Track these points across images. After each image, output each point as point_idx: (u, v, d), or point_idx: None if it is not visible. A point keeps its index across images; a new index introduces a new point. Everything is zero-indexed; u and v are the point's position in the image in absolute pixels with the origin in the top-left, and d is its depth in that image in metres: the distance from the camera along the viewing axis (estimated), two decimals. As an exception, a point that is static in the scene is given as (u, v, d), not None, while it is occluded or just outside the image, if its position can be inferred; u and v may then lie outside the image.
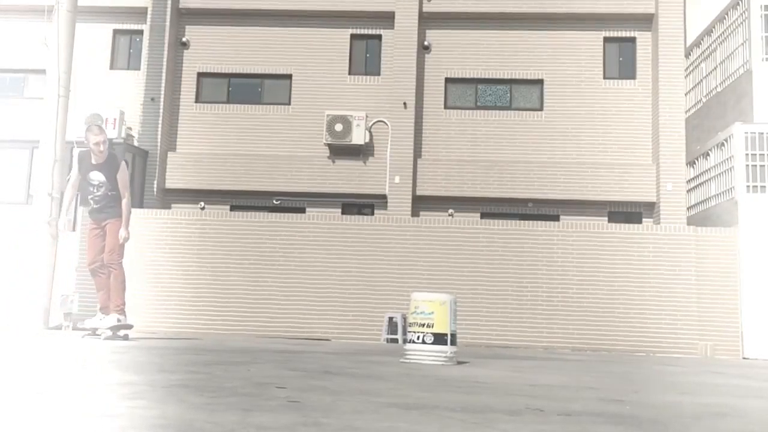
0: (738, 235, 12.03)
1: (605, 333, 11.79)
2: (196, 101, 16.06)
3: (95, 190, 7.38)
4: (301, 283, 12.20)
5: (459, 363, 5.11)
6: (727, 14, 15.36)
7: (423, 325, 4.96)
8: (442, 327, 4.94)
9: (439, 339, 4.93)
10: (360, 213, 15.30)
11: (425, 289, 11.19)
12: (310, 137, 15.44)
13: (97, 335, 7.37)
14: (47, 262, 11.38)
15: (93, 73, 15.88)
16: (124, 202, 7.44)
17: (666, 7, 15.06)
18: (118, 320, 7.22)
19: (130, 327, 7.43)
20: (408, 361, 5.02)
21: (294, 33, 16.05)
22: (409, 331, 5.13)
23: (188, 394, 2.61)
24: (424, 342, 4.95)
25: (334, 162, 15.31)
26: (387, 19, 15.79)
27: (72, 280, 12.29)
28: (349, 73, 15.91)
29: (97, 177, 7.37)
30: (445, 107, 15.72)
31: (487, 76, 15.73)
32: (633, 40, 15.58)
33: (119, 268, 7.34)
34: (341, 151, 15.30)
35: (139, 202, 15.10)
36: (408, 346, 5.12)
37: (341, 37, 16.04)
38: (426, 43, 15.80)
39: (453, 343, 5.01)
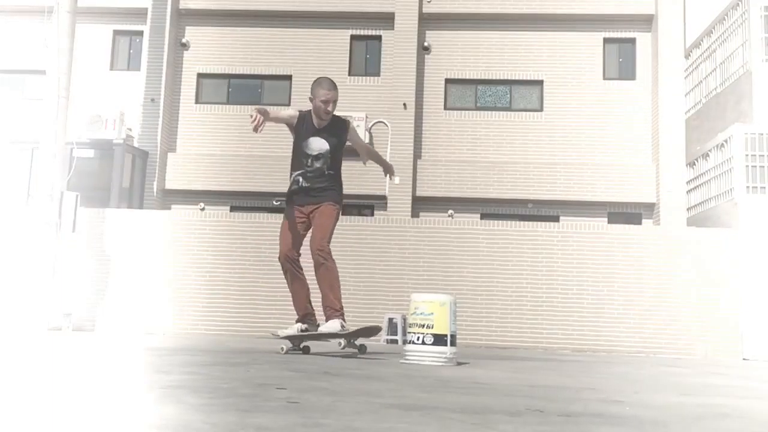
0: (738, 236, 12.02)
1: (605, 334, 11.77)
2: (196, 102, 16.07)
3: (310, 163, 5.69)
4: (300, 283, 12.18)
5: (459, 364, 5.10)
6: (726, 15, 15.36)
7: (422, 326, 4.96)
8: (442, 328, 4.93)
9: (439, 340, 4.92)
10: (360, 213, 15.30)
11: (425, 289, 11.18)
12: (310, 138, 15.43)
13: (296, 350, 5.58)
14: (47, 262, 11.37)
15: (93, 73, 15.88)
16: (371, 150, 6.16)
17: (666, 8, 15.07)
18: (342, 326, 5.42)
19: (376, 331, 5.76)
20: (408, 362, 5.01)
21: (294, 34, 16.05)
22: (409, 332, 5.12)
23: (186, 394, 2.60)
24: (423, 343, 4.94)
25: (333, 163, 15.30)
26: (387, 20, 15.80)
27: (72, 280, 12.28)
28: (349, 74, 15.91)
29: (317, 145, 5.69)
30: (445, 108, 15.72)
31: (487, 77, 15.73)
32: (633, 40, 15.58)
33: (331, 260, 5.49)
34: (341, 151, 15.29)
35: (139, 203, 15.10)
36: (407, 346, 5.11)
37: (341, 37, 16.04)
38: (426, 43, 15.80)
39: (453, 344, 5.00)
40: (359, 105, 15.48)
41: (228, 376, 3.42)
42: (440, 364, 4.87)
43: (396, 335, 11.62)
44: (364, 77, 15.86)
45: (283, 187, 16.75)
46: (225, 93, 16.23)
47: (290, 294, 5.81)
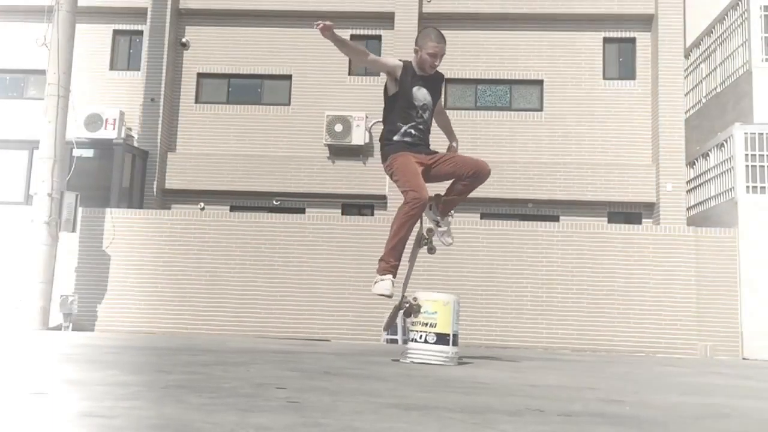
0: (738, 235, 12.02)
1: (605, 333, 11.78)
2: (196, 102, 16.06)
3: (417, 114, 5.33)
4: (301, 283, 12.19)
5: (460, 363, 5.10)
6: (726, 15, 15.36)
7: (426, 324, 4.95)
8: (445, 327, 4.93)
9: (442, 339, 4.92)
10: (360, 213, 15.29)
11: (425, 289, 11.17)
12: (310, 138, 15.43)
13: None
14: (47, 262, 11.37)
15: (93, 73, 15.87)
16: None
17: (666, 8, 15.06)
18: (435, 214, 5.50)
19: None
20: (408, 360, 5.01)
21: (294, 33, 16.04)
22: (412, 330, 5.12)
23: (186, 394, 2.60)
24: (426, 341, 4.94)
25: (333, 162, 15.30)
26: (387, 19, 15.79)
27: (72, 280, 12.28)
28: (349, 74, 15.90)
29: (423, 96, 5.35)
30: (445, 107, 15.69)
31: (486, 77, 15.72)
32: (633, 40, 15.57)
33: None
34: (341, 151, 15.29)
35: (139, 203, 15.10)
36: (410, 344, 5.12)
37: (341, 37, 16.02)
38: (426, 43, 15.79)
39: (455, 343, 5.00)
40: (359, 105, 15.46)
41: (228, 376, 3.42)
42: (441, 363, 4.87)
43: (396, 335, 11.62)
44: (364, 77, 15.85)
45: (284, 187, 16.58)
46: (225, 93, 16.22)
47: (394, 240, 5.19)
